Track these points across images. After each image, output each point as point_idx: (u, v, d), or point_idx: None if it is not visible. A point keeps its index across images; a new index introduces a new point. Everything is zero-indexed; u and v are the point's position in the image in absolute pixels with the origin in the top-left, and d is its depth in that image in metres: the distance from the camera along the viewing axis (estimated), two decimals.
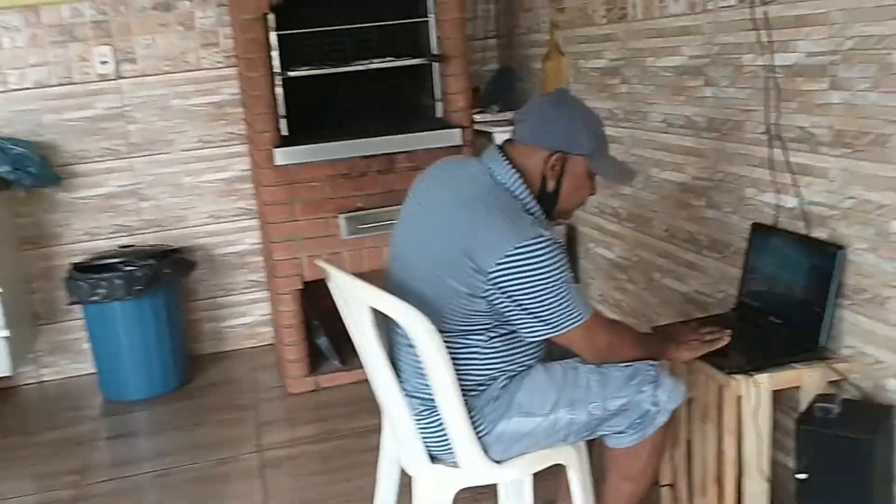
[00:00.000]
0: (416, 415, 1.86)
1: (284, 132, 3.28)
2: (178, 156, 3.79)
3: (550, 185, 1.83)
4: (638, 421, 1.88)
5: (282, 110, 3.27)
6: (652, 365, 1.91)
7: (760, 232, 2.26)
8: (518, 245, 1.69)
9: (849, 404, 1.87)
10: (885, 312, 1.89)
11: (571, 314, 1.75)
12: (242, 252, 3.92)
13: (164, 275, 3.44)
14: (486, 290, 1.72)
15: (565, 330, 1.76)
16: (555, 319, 1.74)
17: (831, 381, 2.00)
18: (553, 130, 1.81)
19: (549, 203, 1.86)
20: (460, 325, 1.78)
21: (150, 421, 3.39)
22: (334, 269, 1.84)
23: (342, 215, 3.32)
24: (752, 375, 1.95)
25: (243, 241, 3.91)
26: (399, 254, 1.91)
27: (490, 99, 3.94)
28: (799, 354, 2.00)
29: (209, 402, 3.47)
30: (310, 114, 3.46)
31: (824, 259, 2.01)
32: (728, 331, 2.06)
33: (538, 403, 1.84)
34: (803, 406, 1.96)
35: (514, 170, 1.80)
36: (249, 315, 3.98)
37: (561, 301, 1.73)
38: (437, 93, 3.43)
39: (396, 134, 3.35)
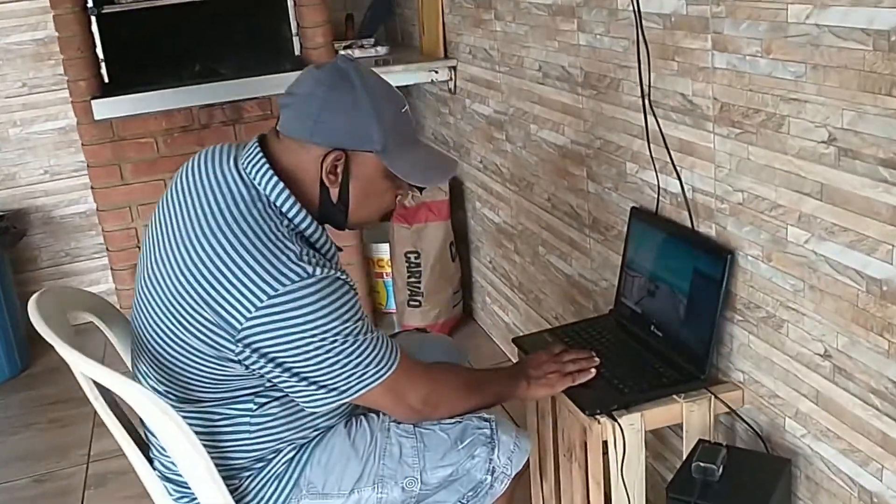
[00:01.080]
0: (175, 501, 1.43)
1: (106, 79, 2.74)
2: None
3: (333, 193, 1.36)
4: (470, 494, 1.48)
5: (100, 53, 2.72)
6: (486, 419, 1.49)
7: (640, 218, 1.82)
8: (275, 294, 1.23)
9: (736, 458, 1.47)
10: (780, 338, 1.49)
11: (364, 373, 1.31)
12: (88, 212, 3.40)
13: None
14: (240, 353, 1.27)
15: (358, 393, 1.32)
16: (340, 383, 1.30)
17: (720, 414, 1.62)
18: (328, 120, 1.31)
19: (336, 215, 1.39)
20: (216, 393, 1.34)
21: None
22: (41, 322, 1.33)
23: None
24: (620, 416, 1.55)
25: (88, 200, 3.37)
26: (138, 293, 1.42)
27: (369, 29, 3.40)
28: (682, 384, 1.60)
29: (46, 393, 3.01)
30: (140, 56, 2.90)
31: (712, 263, 1.59)
32: (595, 358, 1.65)
33: (335, 481, 1.42)
34: (685, 448, 1.57)
35: (276, 178, 1.32)
36: (103, 283, 3.48)
37: (345, 359, 1.28)
38: (293, 26, 2.90)
39: (245, 77, 2.82)
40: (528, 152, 2.43)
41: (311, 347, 1.25)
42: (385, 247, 3.18)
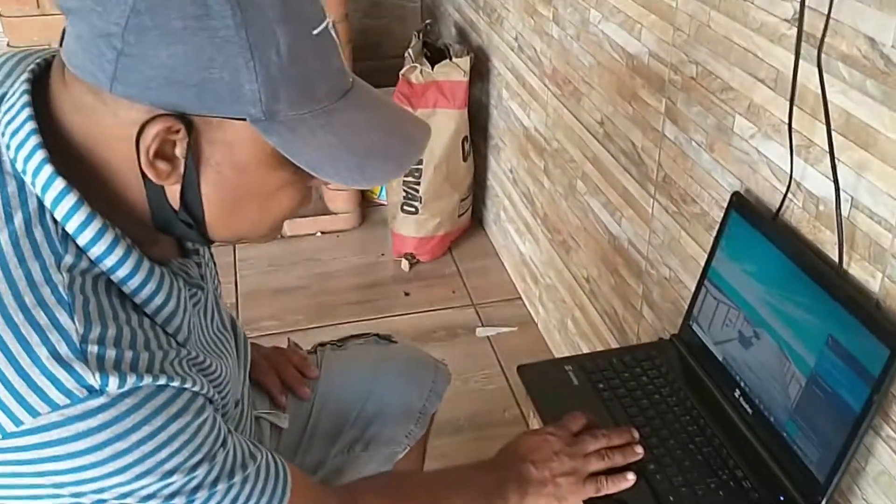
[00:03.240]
0: None
1: None
2: None
3: (171, 193, 0.70)
4: None
5: None
6: None
7: (745, 213, 1.13)
8: (21, 428, 0.61)
9: None
10: None
11: None
12: None
13: None
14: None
15: None
16: None
17: None
18: (147, 51, 0.62)
19: (183, 230, 0.73)
20: None
21: None
22: None
23: None
24: None
25: None
26: None
27: None
28: None
29: None
30: None
31: (868, 344, 0.93)
32: (637, 448, 1.03)
33: None
34: None
35: (53, 170, 0.65)
36: None
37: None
38: None
39: None
40: (581, 47, 1.69)
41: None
42: None
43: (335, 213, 2.61)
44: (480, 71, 2.36)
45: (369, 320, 2.23)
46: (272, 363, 1.13)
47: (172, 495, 0.66)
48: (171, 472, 0.65)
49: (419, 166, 2.34)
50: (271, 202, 0.73)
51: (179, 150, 0.66)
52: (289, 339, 1.24)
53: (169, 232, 0.73)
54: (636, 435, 1.05)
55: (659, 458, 1.05)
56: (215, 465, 0.68)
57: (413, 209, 2.39)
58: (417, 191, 2.36)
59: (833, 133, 0.97)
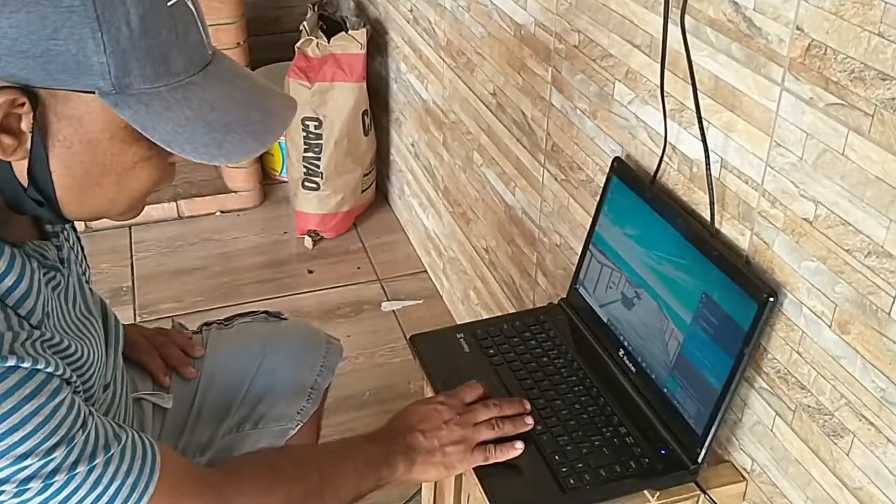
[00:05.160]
0: None
1: None
2: None
3: (19, 169, 0.67)
4: None
5: None
6: None
7: (624, 177, 1.15)
8: None
9: None
10: (831, 447, 0.90)
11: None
12: None
13: None
14: None
15: None
16: None
17: None
18: None
19: (34, 209, 0.70)
20: None
21: None
22: None
23: None
24: None
25: None
26: None
27: None
28: (660, 473, 1.01)
29: None
30: None
31: (739, 298, 0.96)
32: (527, 417, 1.05)
33: None
34: None
35: None
36: None
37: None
38: None
39: None
40: (472, 17, 1.69)
41: None
42: None
43: (235, 192, 2.56)
44: (378, 44, 2.34)
45: (273, 299, 2.21)
46: (155, 344, 1.10)
47: (28, 479, 0.63)
48: (24, 456, 0.63)
49: (319, 141, 2.31)
50: (127, 178, 0.70)
51: (25, 125, 0.63)
52: (172, 319, 1.21)
53: (21, 210, 0.70)
54: (528, 406, 1.07)
55: (546, 418, 1.07)
56: (74, 448, 0.66)
57: (315, 185, 2.36)
58: (318, 166, 2.34)
59: (702, 96, 1.00)
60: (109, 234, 2.39)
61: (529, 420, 1.05)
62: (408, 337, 1.21)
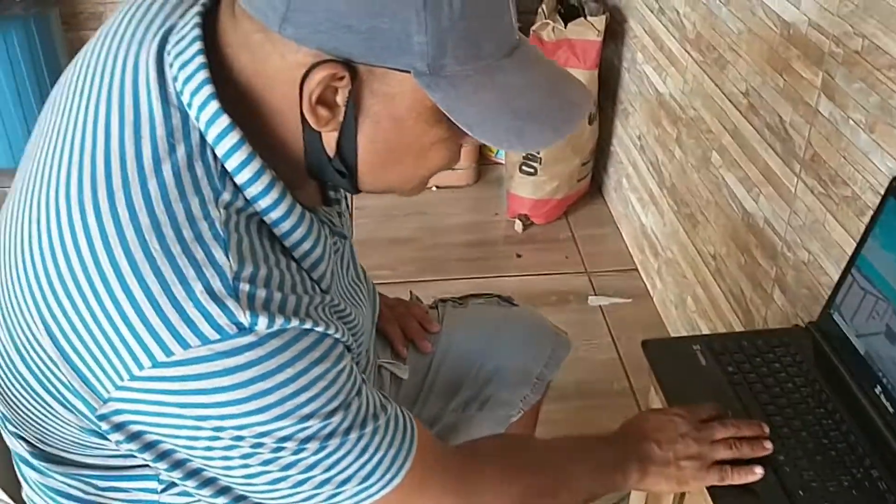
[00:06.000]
0: None
1: None
2: None
3: (328, 140, 0.68)
4: None
5: None
6: None
7: None
8: (169, 359, 0.61)
9: None
10: None
11: (348, 483, 0.70)
12: None
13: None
14: (110, 434, 0.68)
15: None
16: (306, 496, 0.70)
17: None
18: (320, 3, 0.60)
19: (333, 176, 0.71)
20: (99, 461, 0.75)
21: None
22: None
23: None
24: None
25: None
26: None
27: None
28: None
29: None
30: None
31: None
32: (766, 442, 0.98)
33: None
34: None
35: (219, 105, 0.64)
36: None
37: (311, 476, 0.68)
38: None
39: None
40: (730, 12, 1.61)
41: (241, 459, 0.65)
42: None
43: (452, 168, 2.59)
44: (615, 31, 2.28)
45: (479, 278, 2.22)
46: (395, 314, 1.13)
47: (307, 439, 0.66)
48: (308, 416, 0.65)
49: None
50: (423, 158, 0.71)
51: (341, 98, 0.65)
52: (411, 291, 1.23)
53: (319, 178, 0.72)
54: (766, 430, 1.00)
55: (790, 449, 1.00)
56: (349, 414, 0.68)
57: (532, 170, 2.35)
58: (538, 152, 2.32)
59: None
60: None
61: (769, 445, 0.98)
62: (641, 342, 1.17)
